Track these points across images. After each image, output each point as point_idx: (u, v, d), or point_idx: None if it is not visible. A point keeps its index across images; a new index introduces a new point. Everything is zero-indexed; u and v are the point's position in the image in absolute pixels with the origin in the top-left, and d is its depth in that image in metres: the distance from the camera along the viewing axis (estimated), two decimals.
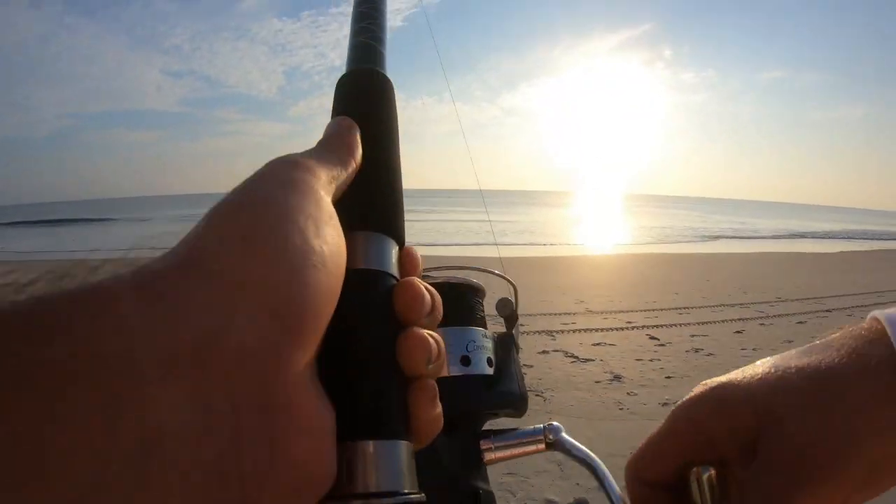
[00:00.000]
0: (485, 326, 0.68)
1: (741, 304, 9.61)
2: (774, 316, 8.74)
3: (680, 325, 7.92)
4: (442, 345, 0.38)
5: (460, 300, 0.67)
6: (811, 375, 0.44)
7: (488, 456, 0.63)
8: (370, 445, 0.33)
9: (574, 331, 7.45)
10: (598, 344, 6.83)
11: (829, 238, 30.62)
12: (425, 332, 0.37)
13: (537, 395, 5.14)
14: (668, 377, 5.71)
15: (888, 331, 0.43)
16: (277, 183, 0.34)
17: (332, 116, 0.44)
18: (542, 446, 0.63)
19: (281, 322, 0.29)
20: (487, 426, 0.66)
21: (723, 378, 0.48)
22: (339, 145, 0.40)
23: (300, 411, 0.30)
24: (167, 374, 0.24)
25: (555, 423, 0.64)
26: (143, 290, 0.26)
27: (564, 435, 0.63)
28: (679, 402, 0.49)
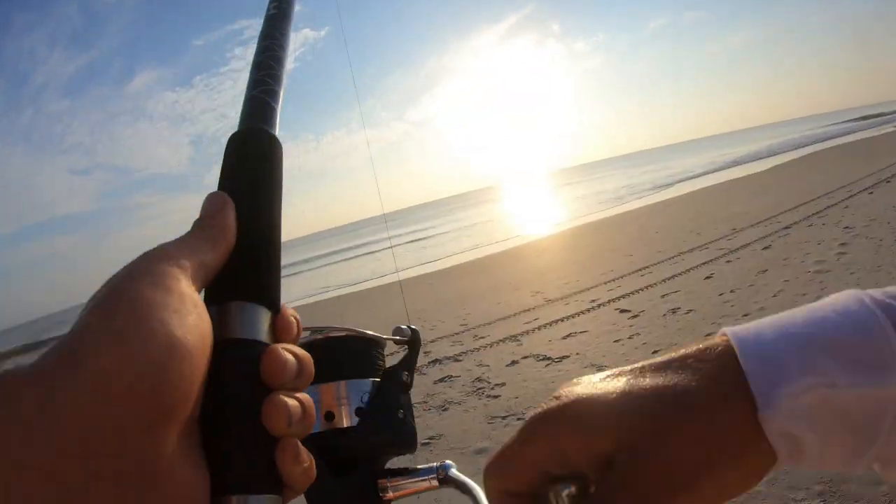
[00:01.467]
0: (373, 375, 0.72)
1: (700, 246, 9.12)
2: (738, 249, 8.35)
3: (646, 287, 7.28)
4: (309, 405, 0.41)
5: (350, 352, 0.72)
6: (665, 400, 0.44)
7: (387, 494, 0.67)
8: (240, 500, 0.37)
9: (539, 328, 6.69)
10: (568, 335, 6.10)
11: (756, 159, 30.74)
12: (288, 395, 0.40)
13: (519, 419, 4.40)
14: (655, 351, 5.04)
15: (737, 352, 0.44)
16: (145, 280, 0.37)
17: (220, 179, 0.48)
18: (435, 483, 0.68)
19: (153, 408, 0.33)
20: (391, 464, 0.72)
21: (577, 390, 0.46)
22: (211, 228, 0.43)
23: (176, 481, 0.34)
24: (57, 464, 0.29)
25: (447, 461, 0.68)
26: (40, 389, 0.30)
27: (455, 472, 0.68)
28: (534, 413, 0.47)
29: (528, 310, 7.70)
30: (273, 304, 0.44)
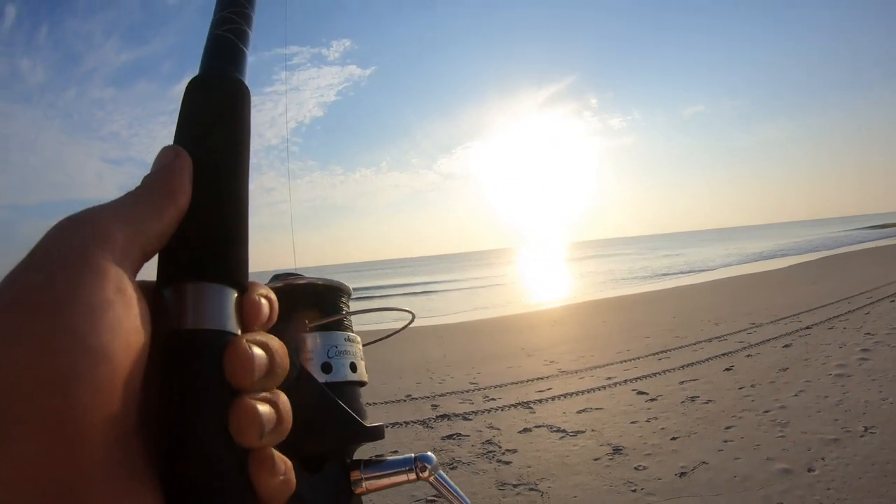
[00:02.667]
0: (350, 329, 0.64)
1: (718, 337, 9.00)
2: (757, 344, 8.21)
3: (664, 372, 7.17)
4: (285, 408, 0.36)
5: (319, 301, 0.62)
6: None
7: (360, 487, 0.58)
8: None
9: (552, 398, 6.56)
10: (583, 410, 5.97)
11: (778, 256, 30.79)
12: (259, 399, 0.34)
13: (532, 490, 4.29)
14: (674, 438, 4.92)
15: None
16: (54, 262, 0.30)
17: (176, 133, 0.40)
18: (412, 476, 0.60)
19: (52, 444, 0.26)
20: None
21: None
22: (158, 188, 0.36)
23: None
24: None
25: (429, 453, 0.61)
26: None
27: (435, 467, 0.61)
28: None
29: (542, 378, 7.57)
30: (238, 284, 0.37)
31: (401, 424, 6.04)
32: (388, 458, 0.61)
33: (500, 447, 5.18)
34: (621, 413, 5.77)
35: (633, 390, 6.52)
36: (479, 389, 7.27)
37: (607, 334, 10.72)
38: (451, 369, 8.64)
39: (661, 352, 8.40)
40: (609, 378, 7.14)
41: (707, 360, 7.57)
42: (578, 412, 5.94)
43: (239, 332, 0.36)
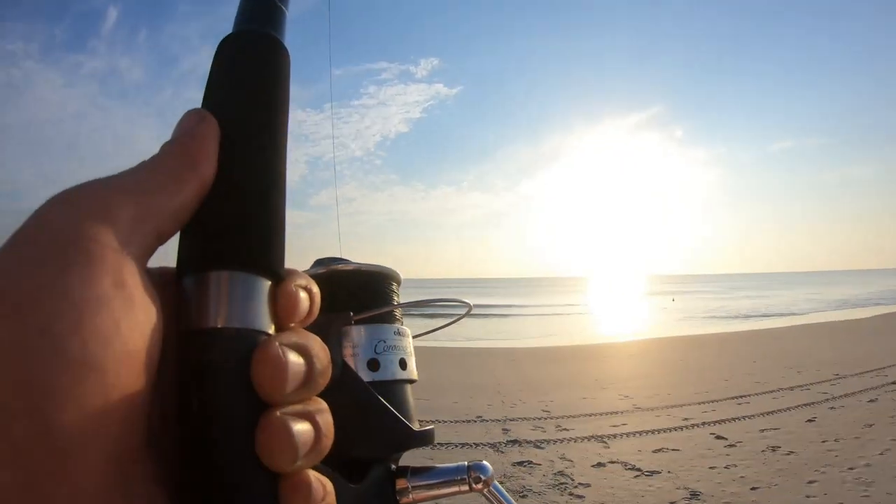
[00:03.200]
0: (400, 321, 0.56)
1: (801, 386, 8.71)
2: (841, 396, 7.89)
3: (743, 417, 7.00)
4: (325, 424, 0.30)
5: (367, 289, 0.55)
6: None
7: (406, 496, 0.51)
8: None
9: (627, 434, 6.51)
10: (659, 450, 5.90)
11: (863, 305, 29.62)
12: (293, 415, 0.29)
13: None
14: (754, 488, 4.80)
15: None
16: (41, 246, 0.25)
17: (204, 97, 0.35)
18: (465, 486, 0.54)
19: (27, 478, 0.22)
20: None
21: None
22: (178, 156, 0.31)
23: None
24: None
25: (484, 462, 0.55)
26: None
27: (491, 477, 0.55)
28: None
29: (616, 413, 7.50)
30: (273, 272, 0.32)
31: (470, 445, 6.08)
32: (439, 466, 0.55)
33: (572, 480, 5.17)
34: (699, 457, 5.67)
35: (712, 434, 6.39)
36: (551, 418, 7.26)
37: (685, 372, 10.53)
38: (524, 394, 8.65)
39: (741, 396, 8.19)
40: (686, 419, 7.02)
41: (788, 409, 7.34)
42: (654, 451, 5.88)
43: (272, 331, 0.31)
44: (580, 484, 5.08)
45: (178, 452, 0.28)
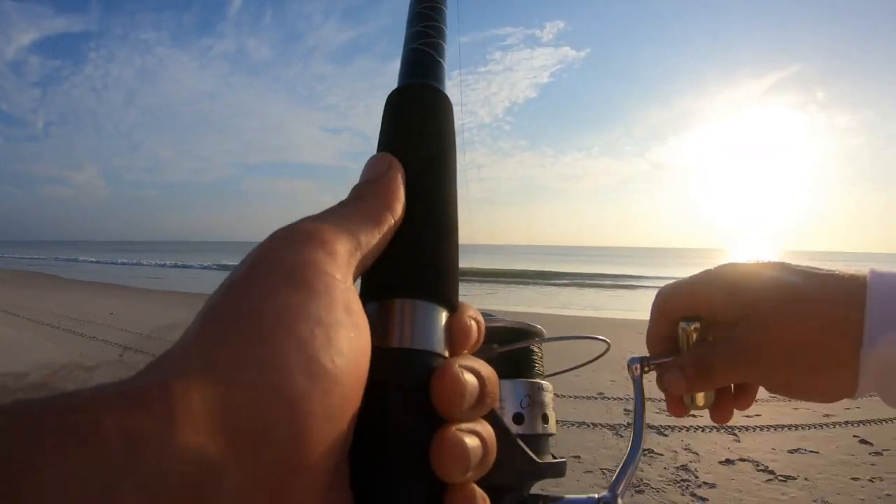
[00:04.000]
0: (542, 376, 0.61)
1: None
2: None
3: (891, 420, 6.37)
4: (490, 441, 0.33)
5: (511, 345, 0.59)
6: (799, 299, 0.59)
7: None
8: None
9: (761, 427, 6.07)
10: (795, 451, 5.46)
11: None
12: (465, 431, 0.32)
13: None
14: None
15: (867, 292, 0.56)
16: (280, 276, 0.28)
17: (378, 146, 0.40)
18: None
19: (268, 478, 0.25)
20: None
21: (739, 266, 0.64)
22: (375, 197, 0.35)
23: None
24: None
25: (608, 495, 0.55)
26: (128, 426, 0.22)
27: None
28: (705, 270, 0.66)
29: None
30: (450, 303, 0.36)
31: (587, 425, 5.88)
32: (568, 496, 0.55)
33: (696, 476, 4.88)
34: (840, 463, 5.21)
35: (855, 436, 5.86)
36: None
37: None
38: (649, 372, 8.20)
39: None
40: (826, 416, 6.44)
41: None
42: (790, 451, 5.44)
43: (447, 355, 0.35)
44: (704, 483, 4.78)
45: (355, 460, 0.30)
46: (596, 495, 0.56)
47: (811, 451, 5.46)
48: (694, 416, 6.36)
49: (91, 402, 0.22)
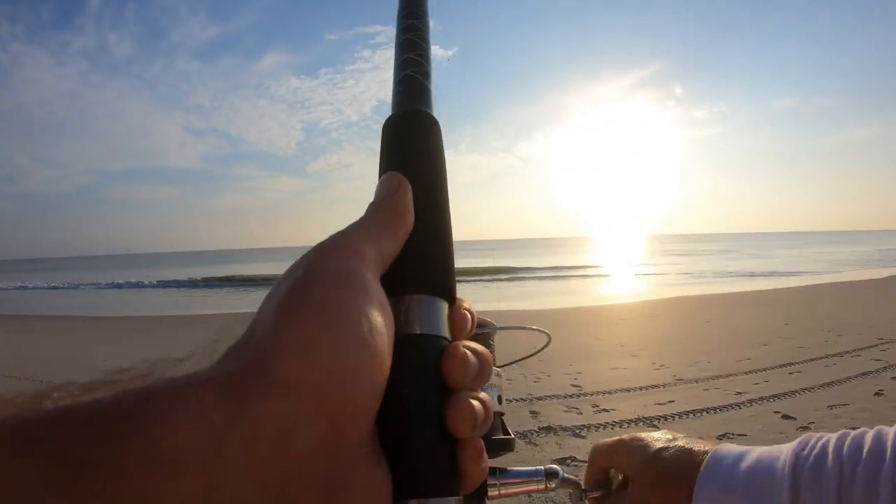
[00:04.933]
0: (494, 363, 0.67)
1: (850, 352, 7.95)
2: None
3: (803, 391, 6.16)
4: (489, 405, 0.39)
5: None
6: (664, 467, 0.73)
7: (492, 492, 0.63)
8: None
9: (679, 414, 5.63)
10: (723, 436, 5.02)
11: (866, 266, 29.39)
12: (471, 397, 0.38)
13: None
14: None
15: (701, 470, 0.71)
16: (329, 279, 0.35)
17: (380, 165, 0.45)
18: (541, 486, 0.67)
19: (342, 421, 0.31)
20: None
21: (643, 437, 0.78)
22: (391, 212, 0.41)
23: (360, 483, 0.32)
24: (246, 489, 0.27)
25: (553, 466, 0.68)
26: (228, 399, 0.28)
27: (564, 474, 0.69)
28: (626, 437, 0.79)
29: (658, 387, 6.63)
30: (450, 297, 0.42)
31: None
32: (516, 468, 0.65)
33: None
34: (772, 442, 4.69)
35: (776, 412, 5.54)
36: (584, 395, 6.39)
37: (716, 336, 9.69)
38: (546, 365, 7.63)
39: (789, 364, 7.37)
40: (739, 393, 6.17)
41: (849, 378, 6.55)
42: (719, 437, 4.93)
43: (451, 339, 0.41)
44: None
45: (384, 419, 0.35)
46: (542, 467, 0.67)
47: (739, 434, 5.03)
48: (605, 410, 5.87)
49: (192, 380, 0.28)
